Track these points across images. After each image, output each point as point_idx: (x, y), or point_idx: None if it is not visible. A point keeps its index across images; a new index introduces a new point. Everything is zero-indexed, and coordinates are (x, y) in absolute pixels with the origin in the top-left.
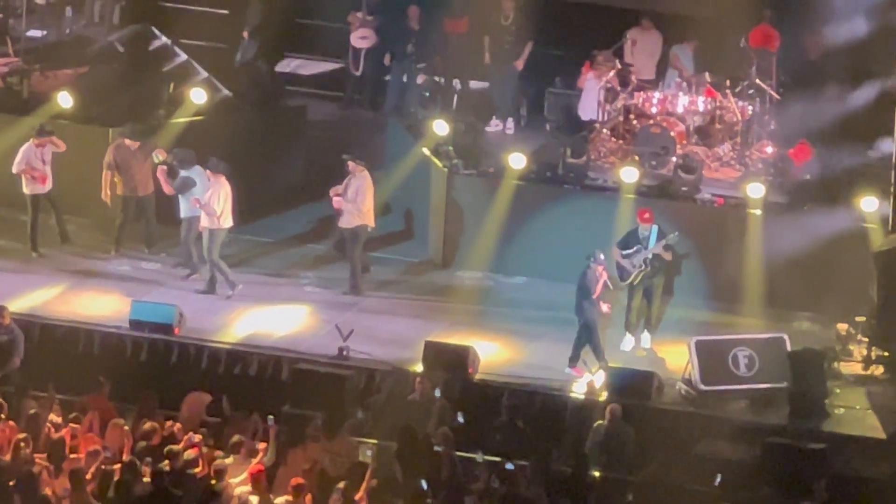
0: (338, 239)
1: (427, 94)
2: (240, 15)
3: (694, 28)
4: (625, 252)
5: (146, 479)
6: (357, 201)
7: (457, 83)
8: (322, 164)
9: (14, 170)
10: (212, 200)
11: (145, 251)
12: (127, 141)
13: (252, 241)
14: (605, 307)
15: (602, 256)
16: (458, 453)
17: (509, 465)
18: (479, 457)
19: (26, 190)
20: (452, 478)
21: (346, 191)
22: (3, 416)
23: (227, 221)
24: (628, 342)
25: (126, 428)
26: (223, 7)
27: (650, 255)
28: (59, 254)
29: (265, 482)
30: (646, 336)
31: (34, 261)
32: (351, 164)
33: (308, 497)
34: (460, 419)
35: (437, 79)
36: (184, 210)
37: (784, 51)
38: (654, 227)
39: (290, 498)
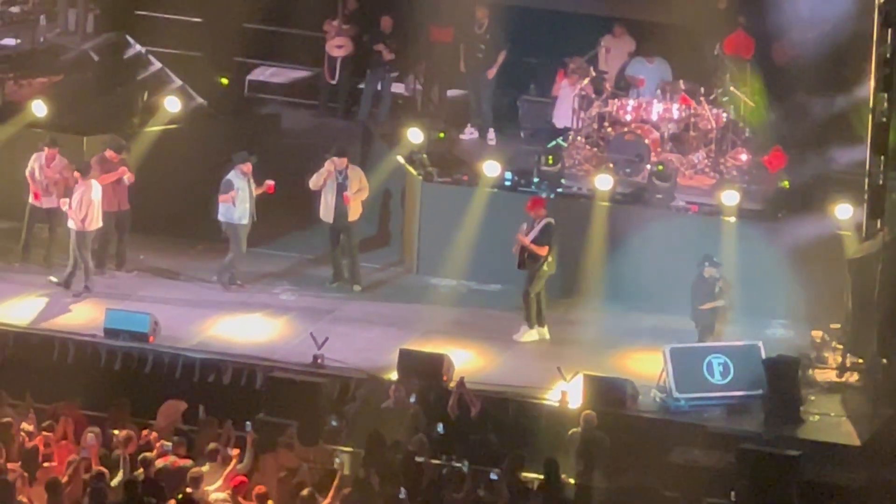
0: (332, 235)
1: (401, 101)
2: (214, 23)
3: (668, 35)
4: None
5: (119, 488)
6: (360, 193)
7: (434, 91)
8: (296, 173)
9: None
10: (76, 204)
11: (114, 273)
12: (109, 153)
13: (226, 248)
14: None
15: (716, 260)
16: (451, 463)
17: (493, 476)
18: (464, 466)
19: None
20: (431, 486)
21: (347, 186)
22: None
23: (95, 224)
24: (531, 334)
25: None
26: (197, 15)
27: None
28: (35, 264)
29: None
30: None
31: (15, 270)
32: (340, 160)
33: None
34: (440, 429)
35: (412, 86)
36: (226, 215)
37: (758, 58)
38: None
39: None
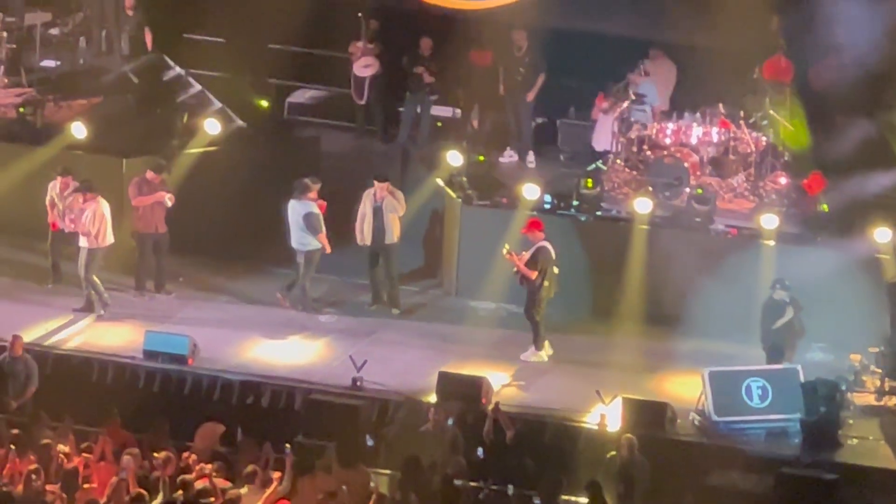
0: (371, 258)
1: (440, 124)
2: (254, 45)
3: (707, 58)
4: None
5: None
6: (399, 215)
7: (473, 114)
8: (336, 196)
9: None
10: (87, 221)
11: (154, 295)
12: (150, 175)
13: (267, 270)
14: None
15: (787, 283)
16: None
17: (536, 501)
18: (509, 490)
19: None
20: None
21: (384, 209)
22: (14, 446)
23: (107, 240)
24: (540, 355)
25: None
26: (237, 38)
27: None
28: (74, 286)
29: None
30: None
31: (49, 291)
32: (383, 184)
33: None
34: (480, 453)
35: (452, 110)
36: (298, 242)
37: (797, 82)
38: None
39: None
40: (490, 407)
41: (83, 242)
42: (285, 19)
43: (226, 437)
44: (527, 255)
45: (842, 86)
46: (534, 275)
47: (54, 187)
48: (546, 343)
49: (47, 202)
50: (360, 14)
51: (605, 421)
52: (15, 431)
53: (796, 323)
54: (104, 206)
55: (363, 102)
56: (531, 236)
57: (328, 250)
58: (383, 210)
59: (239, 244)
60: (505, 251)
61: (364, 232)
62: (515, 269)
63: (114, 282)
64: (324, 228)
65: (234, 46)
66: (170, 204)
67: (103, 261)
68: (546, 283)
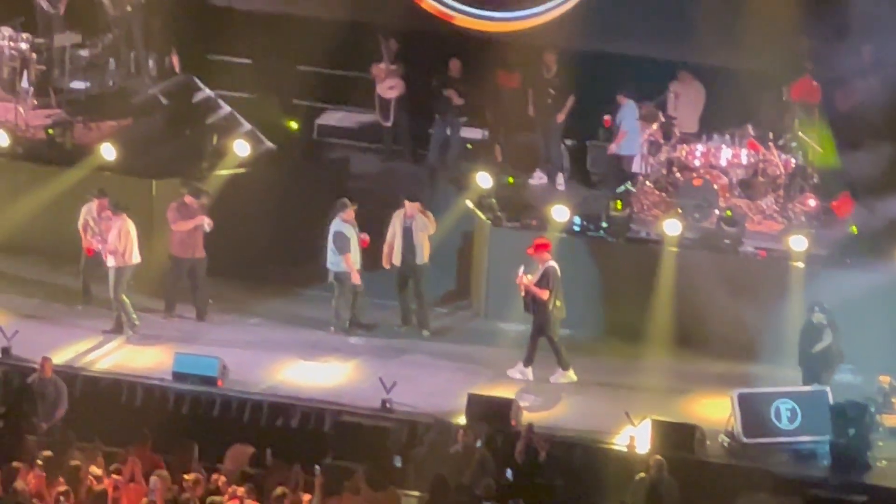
0: (400, 279)
1: (470, 146)
2: (283, 67)
3: (736, 80)
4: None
5: None
6: (430, 233)
7: (502, 135)
8: (365, 217)
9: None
10: (113, 238)
11: (181, 316)
12: (188, 199)
13: (297, 292)
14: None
15: (826, 306)
16: None
17: None
18: None
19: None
20: None
21: (414, 230)
22: (39, 462)
23: (134, 258)
24: (526, 373)
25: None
26: (266, 59)
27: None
28: (104, 307)
29: None
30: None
31: (79, 313)
32: (414, 204)
33: None
34: (509, 475)
35: (481, 131)
36: (329, 261)
37: (825, 103)
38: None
39: None
40: (523, 427)
41: (111, 262)
42: (314, 41)
43: (255, 459)
44: (535, 276)
45: (870, 107)
46: (546, 294)
47: (90, 210)
48: (530, 370)
49: (80, 225)
50: (379, 35)
51: (635, 442)
52: (47, 453)
53: (834, 346)
54: (130, 225)
55: (389, 124)
56: (538, 257)
57: (354, 280)
58: (413, 230)
59: (268, 265)
60: (522, 276)
61: (394, 252)
62: (524, 292)
63: (143, 304)
64: (351, 252)
65: (262, 68)
66: (208, 229)
67: (132, 281)
68: (558, 303)
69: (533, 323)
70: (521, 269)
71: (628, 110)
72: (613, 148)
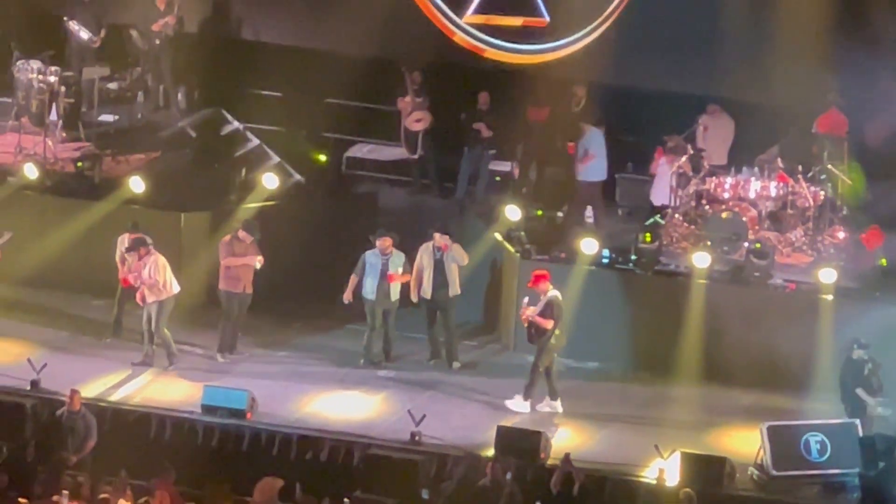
0: (429, 312)
1: (498, 178)
2: (311, 100)
3: (764, 113)
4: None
5: None
6: (462, 265)
7: (532, 169)
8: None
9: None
10: (150, 274)
11: (224, 357)
12: (241, 234)
13: (325, 325)
14: (863, 394)
15: (864, 342)
16: None
17: None
18: None
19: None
20: None
21: (445, 264)
22: (66, 492)
23: (174, 288)
24: (524, 405)
25: None
26: (294, 92)
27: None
28: (132, 340)
29: None
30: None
31: (107, 346)
32: (444, 237)
33: None
34: None
35: (509, 164)
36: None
37: (852, 136)
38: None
39: None
40: (551, 461)
41: (152, 297)
42: (343, 74)
43: (284, 493)
44: (537, 307)
45: None
46: (550, 324)
47: (123, 241)
48: (558, 401)
49: (117, 258)
50: (402, 68)
51: (664, 475)
52: (80, 478)
53: (874, 381)
54: (161, 258)
55: (416, 157)
56: (539, 289)
57: (345, 297)
58: (444, 262)
59: (296, 298)
60: (525, 307)
61: (423, 286)
62: (526, 322)
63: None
64: (364, 277)
65: (291, 101)
66: (258, 266)
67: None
68: (557, 333)
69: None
70: (525, 300)
71: (594, 136)
72: (580, 168)
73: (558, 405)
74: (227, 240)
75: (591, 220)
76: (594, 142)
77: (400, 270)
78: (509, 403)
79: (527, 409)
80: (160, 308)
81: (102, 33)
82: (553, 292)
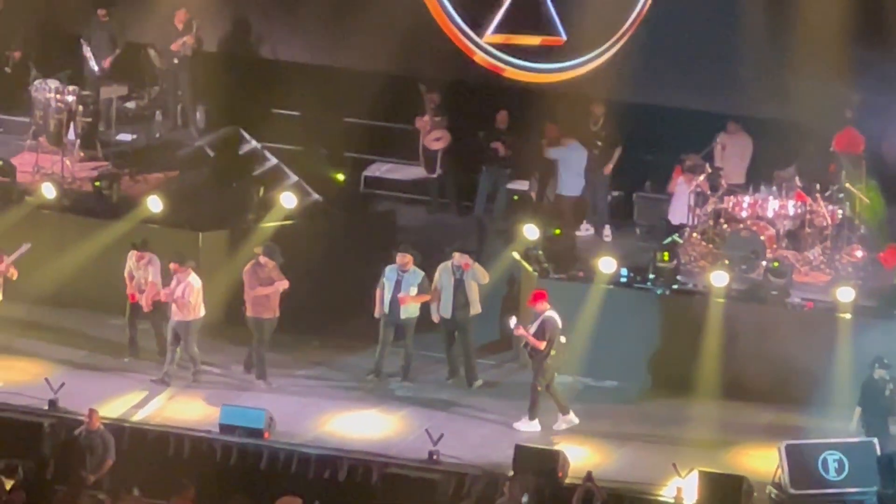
0: (447, 332)
1: (516, 197)
2: (329, 118)
3: (782, 131)
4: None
5: None
6: (483, 283)
7: (550, 187)
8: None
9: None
10: (186, 294)
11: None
12: (262, 259)
13: (342, 344)
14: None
15: (887, 361)
16: None
17: None
18: None
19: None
20: None
21: (465, 282)
22: None
23: (202, 310)
24: (570, 419)
25: None
26: (312, 111)
27: None
28: (145, 359)
29: None
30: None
31: (126, 366)
32: (464, 256)
33: None
34: None
35: (528, 183)
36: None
37: (869, 154)
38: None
39: None
40: (568, 479)
41: (179, 315)
42: (361, 93)
43: None
44: (533, 326)
45: None
46: (542, 345)
47: (131, 257)
48: (570, 413)
49: (126, 274)
50: (421, 88)
51: (682, 494)
52: (101, 496)
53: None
54: (198, 280)
55: (435, 176)
56: (536, 308)
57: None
58: (465, 281)
59: (314, 317)
60: (518, 326)
61: (442, 305)
62: (524, 342)
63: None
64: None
65: (309, 120)
66: (284, 289)
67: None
68: (553, 352)
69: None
70: (514, 320)
71: (570, 151)
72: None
73: (573, 417)
74: (250, 268)
75: (608, 239)
76: (570, 156)
77: (414, 290)
78: (518, 425)
79: (537, 427)
80: (188, 328)
81: (117, 52)
82: (549, 312)
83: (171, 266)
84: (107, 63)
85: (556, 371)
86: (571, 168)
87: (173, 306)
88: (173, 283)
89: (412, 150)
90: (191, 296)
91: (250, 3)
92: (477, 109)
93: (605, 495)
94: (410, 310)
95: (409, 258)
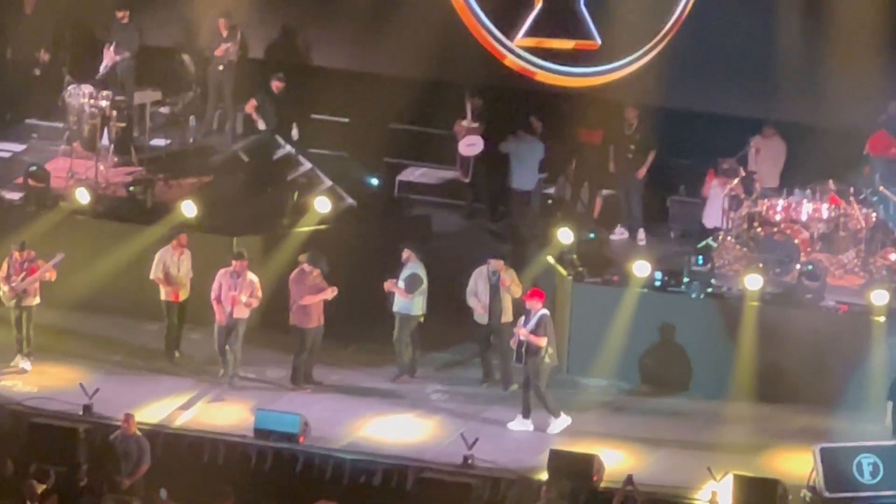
0: (483, 337)
1: (550, 202)
2: (364, 123)
3: (816, 135)
4: None
5: None
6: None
7: (584, 191)
8: (446, 274)
9: (151, 276)
10: (255, 292)
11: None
12: (307, 266)
13: (377, 349)
14: None
15: None
16: None
17: None
18: None
19: (162, 296)
20: None
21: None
22: None
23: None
24: (560, 422)
25: None
26: (346, 116)
27: None
28: (190, 363)
29: None
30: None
31: (161, 370)
32: (499, 262)
33: None
34: None
35: (561, 187)
36: (400, 305)
37: None
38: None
39: None
40: (604, 483)
41: (244, 314)
42: (394, 98)
43: None
44: (529, 325)
45: None
46: (543, 341)
47: (164, 254)
48: (530, 419)
49: (162, 275)
50: (465, 92)
51: (717, 498)
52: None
53: None
54: (252, 276)
55: (468, 181)
56: (532, 305)
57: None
58: (500, 288)
59: (348, 322)
60: (520, 326)
61: (478, 311)
62: (521, 342)
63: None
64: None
65: (351, 126)
66: (331, 296)
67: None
68: (550, 351)
69: (524, 373)
70: (522, 319)
71: (520, 143)
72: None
73: (530, 424)
74: (295, 276)
75: (643, 243)
76: (522, 149)
77: (402, 285)
78: (550, 430)
79: (561, 425)
80: (243, 327)
81: (125, 55)
82: (544, 311)
83: (235, 263)
84: (109, 62)
85: (551, 371)
86: (524, 161)
87: (232, 307)
88: (229, 281)
89: (445, 155)
90: (258, 292)
91: (287, 10)
92: (510, 114)
93: (645, 499)
94: (402, 303)
95: (406, 253)
